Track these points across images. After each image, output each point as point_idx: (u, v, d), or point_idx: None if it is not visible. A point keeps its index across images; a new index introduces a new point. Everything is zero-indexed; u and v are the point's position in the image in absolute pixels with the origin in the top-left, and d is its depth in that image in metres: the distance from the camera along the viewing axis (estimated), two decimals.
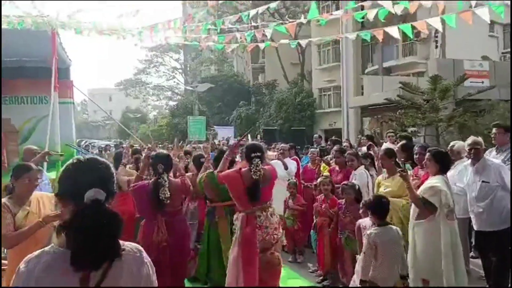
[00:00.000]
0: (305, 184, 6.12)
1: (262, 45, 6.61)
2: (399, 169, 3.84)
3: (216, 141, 15.39)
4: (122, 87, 46.07)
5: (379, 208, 3.54)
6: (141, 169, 4.10)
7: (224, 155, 4.07)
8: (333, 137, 8.91)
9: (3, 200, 2.92)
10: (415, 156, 4.43)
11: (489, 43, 21.40)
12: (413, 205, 3.66)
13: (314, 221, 4.97)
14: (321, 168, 5.92)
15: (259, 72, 33.52)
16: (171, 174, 3.98)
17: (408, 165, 4.33)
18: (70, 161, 1.56)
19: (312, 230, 5.05)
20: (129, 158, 5.13)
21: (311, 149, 6.73)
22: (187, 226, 4.02)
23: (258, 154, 3.66)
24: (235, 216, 3.85)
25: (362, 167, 4.86)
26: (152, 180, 3.81)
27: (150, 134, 35.33)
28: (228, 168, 3.97)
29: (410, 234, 3.65)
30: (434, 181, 3.56)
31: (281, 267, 3.81)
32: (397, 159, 4.34)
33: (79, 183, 1.45)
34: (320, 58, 25.95)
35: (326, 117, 25.43)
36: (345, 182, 4.52)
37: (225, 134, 20.02)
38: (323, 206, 4.82)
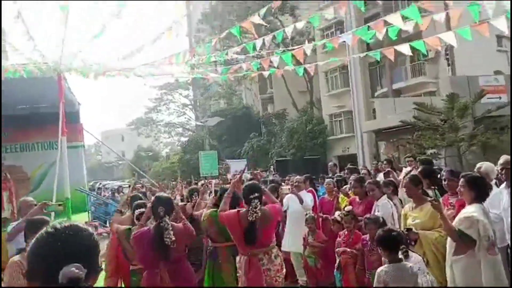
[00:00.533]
0: (324, 216, 5.75)
1: (266, 73, 6.44)
2: (430, 198, 3.48)
3: (230, 176, 15.11)
4: (134, 127, 46.63)
5: (390, 242, 3.16)
6: (143, 217, 3.79)
7: (225, 194, 3.96)
8: (349, 165, 8.56)
9: (17, 257, 2.92)
10: (443, 182, 4.06)
11: (499, 58, 21.08)
12: (449, 238, 3.28)
13: (337, 260, 4.58)
14: (340, 200, 5.56)
15: (268, 103, 33.59)
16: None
17: (435, 193, 3.97)
18: (44, 229, 1.26)
19: (336, 270, 4.65)
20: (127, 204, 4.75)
21: (327, 180, 6.38)
22: (192, 274, 3.76)
23: (257, 195, 3.60)
24: (237, 260, 3.75)
25: (385, 197, 4.50)
26: (153, 225, 3.57)
27: (162, 171, 35.46)
28: (233, 206, 3.84)
29: (448, 272, 3.25)
30: (470, 210, 3.19)
31: None
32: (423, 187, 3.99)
33: (51, 258, 1.16)
34: (328, 84, 25.90)
35: (338, 143, 25.08)
36: (367, 215, 4.15)
37: (237, 167, 19.71)
38: (345, 244, 4.44)
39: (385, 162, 8.01)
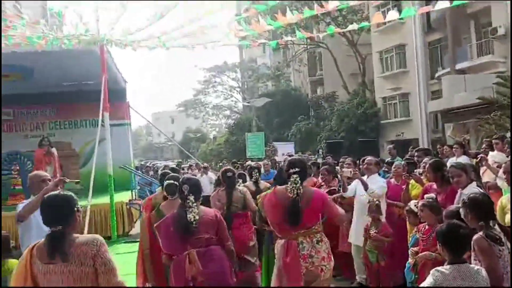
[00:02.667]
0: (394, 203, 4.95)
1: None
2: None
3: (277, 158, 14.54)
4: (183, 109, 47.23)
5: (454, 240, 2.48)
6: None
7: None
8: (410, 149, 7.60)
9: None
10: None
11: None
12: None
13: (410, 258, 3.80)
14: (410, 187, 4.73)
15: (318, 85, 32.45)
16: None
17: None
18: None
19: (409, 271, 3.87)
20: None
21: (396, 162, 5.54)
22: (224, 255, 3.28)
23: (297, 169, 3.23)
24: (276, 244, 3.39)
25: (474, 184, 3.63)
26: (178, 206, 3.32)
27: (209, 153, 35.60)
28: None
29: None
30: None
31: None
32: None
33: None
34: (383, 65, 24.32)
35: (392, 127, 23.65)
36: (451, 207, 3.30)
37: (284, 150, 19.15)
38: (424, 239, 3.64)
39: (455, 145, 7.00)
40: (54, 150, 9.28)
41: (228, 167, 5.11)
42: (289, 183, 3.22)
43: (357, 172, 5.07)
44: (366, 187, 4.79)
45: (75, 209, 2.34)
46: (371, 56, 25.41)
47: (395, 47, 23.21)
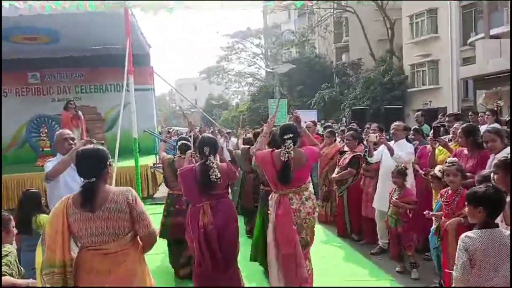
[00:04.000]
0: (419, 171, 4.83)
1: None
2: None
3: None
4: (206, 75, 47.02)
5: (491, 202, 2.39)
6: (186, 157, 4.11)
7: (261, 134, 4.09)
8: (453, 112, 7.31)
9: None
10: None
11: None
12: None
13: (434, 223, 3.74)
14: (437, 152, 4.58)
15: (343, 52, 31.58)
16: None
17: None
18: None
19: (432, 236, 3.81)
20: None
21: (455, 126, 5.31)
22: (233, 209, 3.82)
23: (291, 135, 3.58)
24: (269, 198, 3.82)
25: (508, 149, 3.47)
26: (199, 163, 3.70)
27: (231, 120, 35.67)
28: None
29: None
30: None
31: (309, 249, 3.74)
32: None
33: None
34: (413, 30, 23.33)
35: (419, 95, 22.98)
36: (483, 172, 3.18)
37: (307, 117, 18.90)
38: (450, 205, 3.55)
39: (488, 112, 6.73)
40: (80, 113, 9.45)
41: (258, 130, 5.43)
42: (283, 147, 3.56)
43: (383, 137, 4.97)
44: (392, 152, 4.69)
45: (108, 162, 2.44)
46: (400, 21, 24.43)
47: (426, 11, 22.19)
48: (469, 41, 20.18)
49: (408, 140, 5.20)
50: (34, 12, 7.64)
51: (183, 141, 4.72)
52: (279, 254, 3.59)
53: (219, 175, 3.53)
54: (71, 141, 3.67)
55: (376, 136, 4.81)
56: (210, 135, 4.08)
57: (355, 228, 5.84)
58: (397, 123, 5.13)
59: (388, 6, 24.87)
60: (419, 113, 8.03)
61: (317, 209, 3.81)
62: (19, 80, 11.86)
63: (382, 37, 26.28)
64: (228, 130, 12.57)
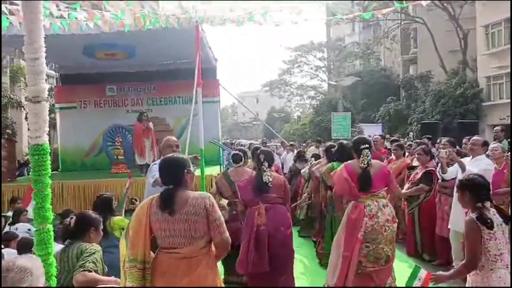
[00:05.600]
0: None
1: None
2: None
3: None
4: (268, 89, 47.64)
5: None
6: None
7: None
8: None
9: None
10: None
11: None
12: None
13: None
14: None
15: (410, 64, 30.50)
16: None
17: None
18: None
19: None
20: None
21: (493, 145, 4.99)
22: (287, 215, 4.10)
23: (367, 145, 3.90)
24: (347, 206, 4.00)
25: None
26: (256, 170, 4.17)
27: (293, 133, 35.66)
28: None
29: None
30: None
31: (391, 265, 3.86)
32: None
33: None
34: (489, 41, 21.93)
35: (495, 110, 21.44)
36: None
37: (371, 132, 18.41)
38: None
39: None
40: (151, 124, 9.95)
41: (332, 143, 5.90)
42: (361, 156, 3.83)
43: (453, 153, 4.72)
44: (463, 168, 4.43)
45: (186, 171, 2.53)
46: (474, 31, 23.11)
47: (504, 21, 20.77)
48: None
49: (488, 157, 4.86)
50: (113, 28, 8.25)
51: (236, 152, 4.98)
52: (339, 258, 3.78)
53: (271, 179, 3.94)
54: (175, 148, 3.99)
55: (446, 151, 4.57)
56: (267, 149, 4.61)
57: (427, 247, 5.53)
58: (475, 137, 4.83)
59: (461, 16, 23.66)
60: (498, 127, 7.48)
61: (396, 222, 3.89)
62: (97, 93, 12.78)
63: (454, 48, 24.98)
64: (292, 143, 12.59)
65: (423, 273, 2.71)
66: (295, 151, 10.26)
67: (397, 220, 3.88)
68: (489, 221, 2.65)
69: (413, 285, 2.69)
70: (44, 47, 2.17)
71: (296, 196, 7.24)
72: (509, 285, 2.58)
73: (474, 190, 2.78)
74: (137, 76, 12.63)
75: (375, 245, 3.65)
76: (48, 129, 2.26)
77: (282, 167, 9.91)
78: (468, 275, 2.79)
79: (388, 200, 3.87)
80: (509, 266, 2.66)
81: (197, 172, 7.84)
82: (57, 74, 13.89)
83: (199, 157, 5.16)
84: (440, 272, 2.90)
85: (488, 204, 2.75)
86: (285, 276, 3.85)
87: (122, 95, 12.92)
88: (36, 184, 2.29)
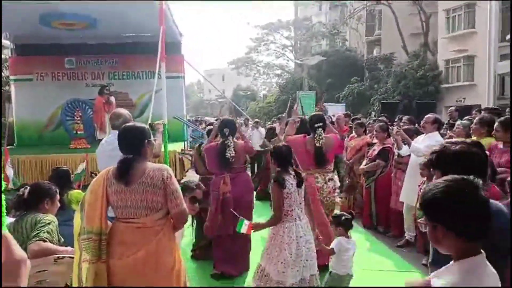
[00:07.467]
0: None
1: None
2: None
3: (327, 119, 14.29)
4: (234, 66, 47.17)
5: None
6: (211, 134, 4.74)
7: (289, 120, 4.79)
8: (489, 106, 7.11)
9: None
10: None
11: None
12: None
13: None
14: None
15: (375, 45, 31.00)
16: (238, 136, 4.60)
17: None
18: None
19: None
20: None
21: (459, 121, 5.23)
22: (249, 182, 4.52)
23: (321, 124, 4.32)
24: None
25: None
26: (220, 141, 4.33)
27: (258, 111, 35.71)
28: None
29: None
30: None
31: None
32: None
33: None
34: (449, 25, 22.61)
35: (453, 92, 22.33)
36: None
37: (335, 111, 18.75)
38: None
39: None
40: (113, 99, 9.69)
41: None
42: (316, 134, 4.27)
43: (399, 130, 5.04)
44: (409, 144, 4.74)
45: (146, 141, 2.50)
46: (436, 15, 23.73)
47: (464, 6, 21.46)
48: (507, 37, 19.41)
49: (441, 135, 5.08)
50: None
51: (211, 126, 5.15)
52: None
53: (233, 154, 4.20)
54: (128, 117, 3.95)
55: (395, 128, 4.85)
56: (229, 118, 4.73)
57: (381, 220, 5.80)
58: (427, 115, 5.03)
59: (424, 0, 24.20)
60: (452, 108, 7.82)
61: (337, 192, 4.53)
62: (55, 65, 12.24)
63: (416, 31, 25.61)
64: (256, 120, 12.63)
65: (246, 223, 3.35)
66: (259, 128, 10.34)
67: (337, 191, 4.46)
68: (282, 182, 3.26)
69: (240, 231, 3.36)
70: None
71: (267, 172, 7.55)
72: (294, 234, 3.23)
73: (278, 157, 3.41)
74: (98, 49, 12.16)
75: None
76: None
77: None
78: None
79: (333, 174, 4.45)
80: (297, 220, 3.28)
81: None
82: (12, 44, 13.15)
83: (161, 123, 4.90)
84: (257, 222, 3.55)
85: (290, 169, 3.39)
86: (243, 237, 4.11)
87: (81, 67, 12.43)
88: None
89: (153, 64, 8.51)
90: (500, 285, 1.35)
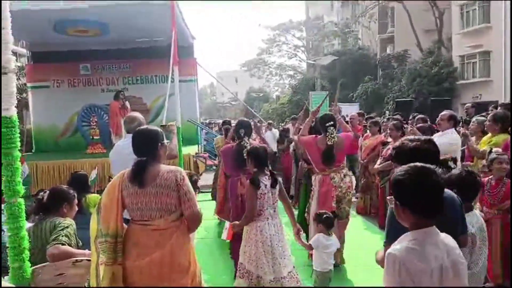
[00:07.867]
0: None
1: None
2: None
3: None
4: (247, 68, 47.27)
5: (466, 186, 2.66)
6: (229, 135, 4.83)
7: (306, 121, 4.73)
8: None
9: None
10: None
11: None
12: None
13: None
14: (481, 143, 4.39)
15: (388, 43, 30.69)
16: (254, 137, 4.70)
17: None
18: None
19: None
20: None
21: (475, 118, 5.14)
22: None
23: (332, 123, 4.35)
24: (312, 178, 4.60)
25: None
26: (236, 143, 4.32)
27: (272, 112, 35.72)
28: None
29: None
30: None
31: (348, 220, 4.57)
32: None
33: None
34: (464, 20, 22.25)
35: (469, 89, 21.96)
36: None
37: (349, 111, 18.62)
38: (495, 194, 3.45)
39: None
40: (127, 103, 9.82)
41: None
42: (328, 133, 4.30)
43: (413, 128, 5.14)
44: None
45: (159, 144, 2.53)
46: (449, 10, 23.40)
47: (478, 0, 21.12)
48: None
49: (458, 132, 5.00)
50: (83, 4, 8.02)
51: (227, 125, 5.26)
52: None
53: None
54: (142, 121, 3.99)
55: (408, 126, 4.82)
56: (245, 119, 4.67)
57: None
58: (443, 112, 4.95)
59: None
60: (469, 104, 7.71)
61: (354, 184, 4.69)
62: (71, 71, 12.47)
63: (430, 27, 25.27)
64: (270, 121, 12.66)
65: (227, 226, 3.49)
66: (273, 129, 10.35)
67: (354, 184, 4.62)
68: (257, 182, 3.33)
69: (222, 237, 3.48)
70: (11, 22, 2.12)
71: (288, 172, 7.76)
72: (267, 233, 3.33)
73: (256, 159, 3.46)
74: (111, 54, 12.36)
75: (339, 206, 4.40)
76: (15, 101, 2.23)
77: None
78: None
79: (347, 170, 4.57)
80: (269, 219, 3.36)
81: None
82: (28, 52, 13.45)
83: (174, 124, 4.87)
84: (236, 222, 3.59)
85: (266, 170, 3.46)
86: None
87: (96, 73, 12.65)
88: (5, 157, 2.27)
89: (166, 68, 8.61)
90: (456, 244, 1.65)
